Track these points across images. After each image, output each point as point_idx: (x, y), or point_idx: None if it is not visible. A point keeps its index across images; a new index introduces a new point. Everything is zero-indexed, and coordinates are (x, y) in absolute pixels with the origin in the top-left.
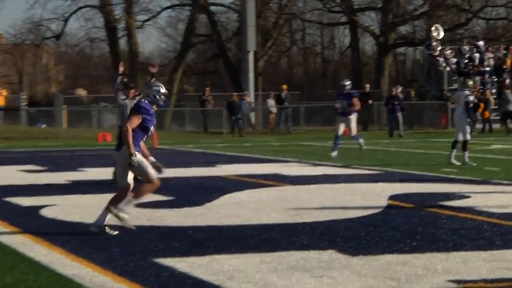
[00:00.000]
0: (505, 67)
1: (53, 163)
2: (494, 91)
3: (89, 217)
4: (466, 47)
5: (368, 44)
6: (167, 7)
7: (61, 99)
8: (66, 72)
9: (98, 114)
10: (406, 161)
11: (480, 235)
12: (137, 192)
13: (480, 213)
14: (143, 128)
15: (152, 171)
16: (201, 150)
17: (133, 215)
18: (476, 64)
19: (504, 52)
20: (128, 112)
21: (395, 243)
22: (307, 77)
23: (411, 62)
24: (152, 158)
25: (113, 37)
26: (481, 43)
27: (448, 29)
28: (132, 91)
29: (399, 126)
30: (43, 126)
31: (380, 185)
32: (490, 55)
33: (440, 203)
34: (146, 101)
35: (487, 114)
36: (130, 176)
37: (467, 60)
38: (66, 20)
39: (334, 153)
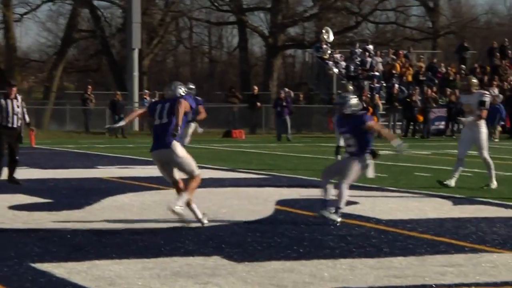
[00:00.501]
0: (394, 72)
1: None
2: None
3: None
4: (358, 51)
5: (257, 45)
6: (48, 0)
7: None
8: None
9: None
10: (294, 166)
11: (367, 242)
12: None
13: (368, 219)
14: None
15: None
16: (82, 151)
17: (9, 217)
18: (366, 68)
19: (393, 57)
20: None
21: (282, 249)
22: (194, 77)
23: (300, 64)
24: None
25: None
26: (370, 47)
27: (337, 32)
28: (14, 89)
29: (287, 129)
30: None
31: (268, 189)
32: (379, 59)
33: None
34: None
35: (375, 119)
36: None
37: (357, 64)
38: None
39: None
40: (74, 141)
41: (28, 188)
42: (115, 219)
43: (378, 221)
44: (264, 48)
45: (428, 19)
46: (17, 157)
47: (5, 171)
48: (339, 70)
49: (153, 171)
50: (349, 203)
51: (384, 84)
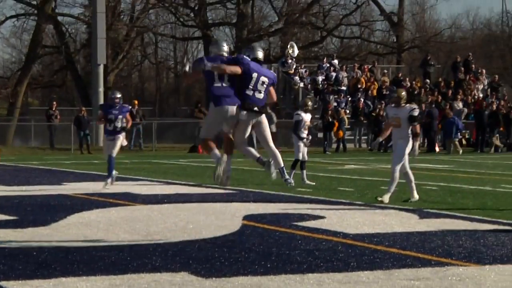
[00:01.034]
0: (359, 86)
1: None
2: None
3: None
4: (325, 65)
5: None
6: (11, 16)
7: None
8: None
9: None
10: (260, 181)
11: (334, 256)
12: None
13: (335, 234)
14: None
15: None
16: (47, 167)
17: None
18: (331, 83)
19: (358, 71)
20: None
21: (249, 264)
22: (159, 92)
23: None
24: None
25: None
26: (335, 61)
27: (302, 46)
28: None
29: (253, 144)
30: None
31: (235, 205)
32: (345, 74)
33: (295, 223)
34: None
35: (341, 133)
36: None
37: (323, 78)
38: None
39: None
40: (39, 158)
41: None
42: (81, 235)
43: (345, 235)
44: None
45: (392, 34)
46: None
47: None
48: (304, 85)
49: (119, 187)
50: (315, 217)
51: (350, 98)
